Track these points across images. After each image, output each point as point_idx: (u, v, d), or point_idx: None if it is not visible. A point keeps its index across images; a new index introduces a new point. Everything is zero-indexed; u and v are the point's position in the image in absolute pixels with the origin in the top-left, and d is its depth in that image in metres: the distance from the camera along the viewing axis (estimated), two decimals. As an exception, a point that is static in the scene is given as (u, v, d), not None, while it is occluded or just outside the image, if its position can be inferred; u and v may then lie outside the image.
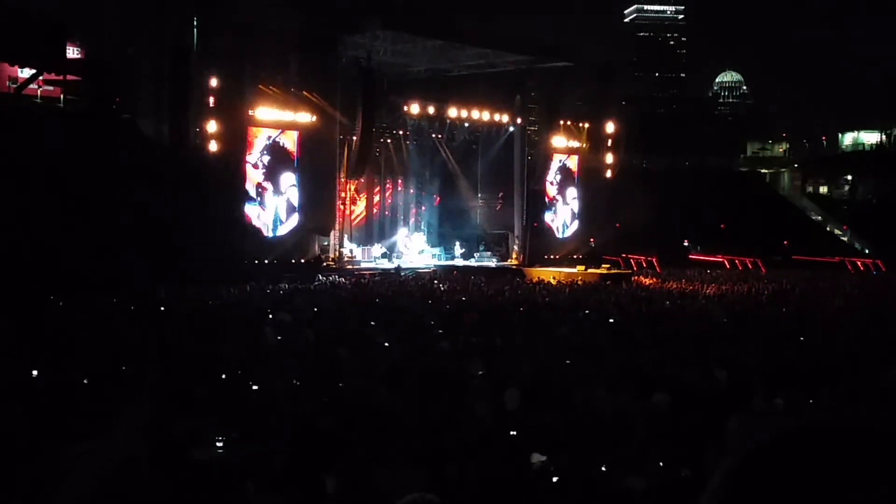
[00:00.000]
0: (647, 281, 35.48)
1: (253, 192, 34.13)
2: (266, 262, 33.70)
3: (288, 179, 35.09)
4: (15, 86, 33.97)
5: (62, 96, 34.88)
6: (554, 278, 34.95)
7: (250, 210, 34.04)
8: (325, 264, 35.81)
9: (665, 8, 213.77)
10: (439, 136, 43.80)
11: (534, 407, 9.14)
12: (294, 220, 35.34)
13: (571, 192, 46.78)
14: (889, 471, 1.02)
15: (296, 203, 35.27)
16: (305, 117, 34.99)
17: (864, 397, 9.94)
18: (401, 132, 43.45)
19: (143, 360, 11.69)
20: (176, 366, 11.29)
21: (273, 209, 34.77)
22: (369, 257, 39.77)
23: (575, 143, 46.24)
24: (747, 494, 1.06)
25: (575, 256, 44.18)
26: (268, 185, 34.53)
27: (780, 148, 77.44)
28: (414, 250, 42.05)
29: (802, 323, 18.79)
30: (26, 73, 34.12)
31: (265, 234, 34.63)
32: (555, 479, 6.72)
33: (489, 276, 35.35)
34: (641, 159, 63.15)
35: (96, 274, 24.45)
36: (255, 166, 34.23)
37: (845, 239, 57.84)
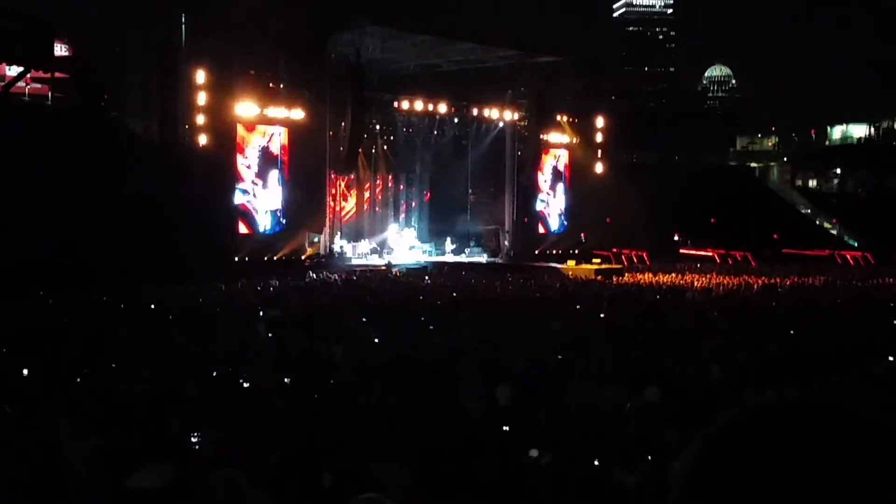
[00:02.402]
0: (639, 275, 35.54)
1: (244, 186, 34.24)
2: (257, 258, 33.67)
3: (276, 176, 35.12)
4: (2, 83, 33.78)
5: (50, 94, 34.72)
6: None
7: (240, 199, 34.10)
8: (315, 261, 35.80)
9: (654, 2, 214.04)
10: (429, 131, 43.78)
11: (526, 402, 9.15)
12: (284, 215, 35.33)
13: (562, 188, 46.85)
14: (862, 448, 1.03)
15: (284, 199, 35.29)
16: (295, 114, 34.98)
17: (854, 389, 9.98)
18: (391, 128, 43.42)
19: (133, 358, 11.65)
20: (166, 363, 11.26)
21: (263, 203, 34.81)
22: (360, 254, 39.76)
23: (565, 138, 46.30)
24: (719, 467, 1.07)
25: (572, 251, 44.27)
26: (258, 181, 34.55)
27: (770, 142, 77.52)
28: (404, 246, 42.04)
29: (793, 316, 18.85)
30: (14, 70, 33.93)
31: (256, 227, 34.66)
32: (547, 475, 6.73)
33: (489, 271, 35.33)
34: (631, 154, 63.18)
35: (86, 271, 24.38)
36: (248, 166, 34.29)
37: (835, 232, 58.02)
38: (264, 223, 35.00)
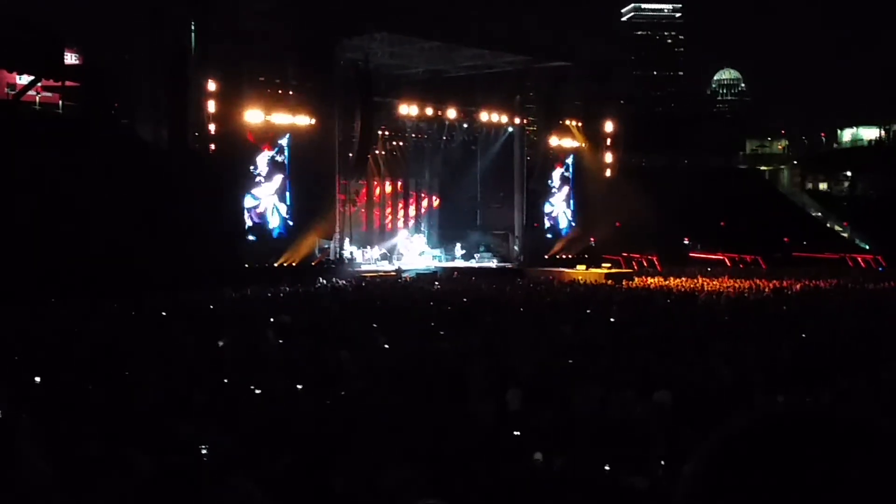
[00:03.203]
0: (649, 279, 35.47)
1: (253, 192, 34.38)
2: (267, 265, 33.73)
3: (285, 182, 35.23)
4: (13, 92, 33.93)
5: (61, 102, 34.87)
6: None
7: (250, 205, 34.23)
8: (325, 267, 35.82)
9: (662, 6, 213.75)
10: (438, 137, 43.82)
11: (536, 407, 9.14)
12: (293, 221, 35.41)
13: (571, 192, 46.81)
14: (862, 457, 1.04)
15: (293, 205, 35.38)
16: (304, 120, 35.05)
17: (864, 392, 9.94)
18: (399, 133, 43.46)
19: (144, 365, 11.68)
20: (177, 370, 11.28)
21: (272, 209, 34.92)
22: (369, 259, 39.77)
23: (574, 143, 46.26)
24: (727, 472, 1.07)
25: (582, 256, 44.21)
26: (267, 187, 34.66)
27: (779, 145, 77.19)
28: (414, 252, 42.05)
29: (803, 319, 18.78)
30: (25, 79, 34.10)
31: (266, 233, 34.76)
32: (558, 479, 6.73)
33: (496, 277, 35.27)
34: (640, 158, 63.04)
35: (96, 278, 24.45)
36: (257, 173, 34.43)
37: (846, 235, 57.74)
38: (274, 229, 35.07)
